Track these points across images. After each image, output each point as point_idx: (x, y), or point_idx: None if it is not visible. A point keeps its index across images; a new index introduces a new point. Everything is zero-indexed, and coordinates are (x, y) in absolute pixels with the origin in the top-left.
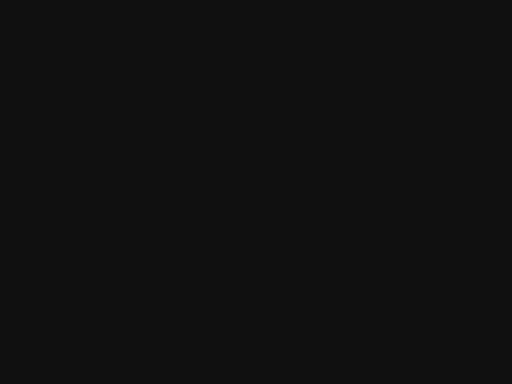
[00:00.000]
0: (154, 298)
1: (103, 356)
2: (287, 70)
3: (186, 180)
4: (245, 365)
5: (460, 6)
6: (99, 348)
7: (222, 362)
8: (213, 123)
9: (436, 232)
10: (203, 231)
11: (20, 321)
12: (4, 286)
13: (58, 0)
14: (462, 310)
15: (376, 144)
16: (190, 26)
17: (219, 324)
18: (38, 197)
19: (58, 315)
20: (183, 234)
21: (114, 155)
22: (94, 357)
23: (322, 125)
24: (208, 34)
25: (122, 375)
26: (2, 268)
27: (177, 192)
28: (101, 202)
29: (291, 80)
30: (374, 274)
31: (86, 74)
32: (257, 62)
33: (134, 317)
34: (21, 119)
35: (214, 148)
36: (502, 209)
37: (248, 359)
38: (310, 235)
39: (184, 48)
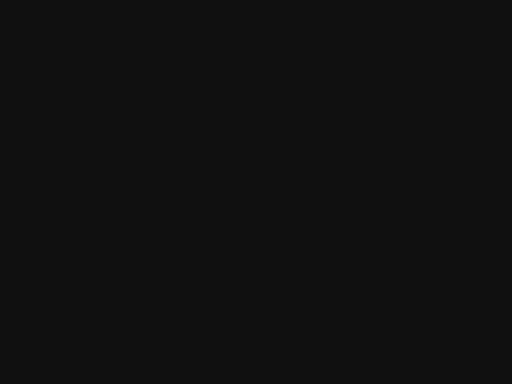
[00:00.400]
0: (154, 298)
1: (103, 356)
2: (287, 70)
3: (186, 180)
4: (245, 365)
5: (460, 5)
6: (99, 348)
7: (222, 362)
8: (213, 123)
9: (436, 232)
10: (203, 231)
11: (20, 321)
12: (4, 286)
13: (59, 0)
14: (462, 310)
15: (376, 144)
16: (190, 26)
17: (219, 324)
18: (38, 197)
19: (58, 315)
20: (183, 233)
21: (114, 155)
22: (94, 357)
23: (322, 125)
24: (208, 34)
25: (122, 375)
26: (2, 268)
27: (177, 192)
28: (101, 201)
29: (291, 80)
30: (374, 274)
31: (86, 74)
32: (257, 62)
33: (134, 317)
34: (21, 119)
35: (214, 148)
36: (502, 209)
37: (248, 359)
38: (310, 235)
39: (184, 48)
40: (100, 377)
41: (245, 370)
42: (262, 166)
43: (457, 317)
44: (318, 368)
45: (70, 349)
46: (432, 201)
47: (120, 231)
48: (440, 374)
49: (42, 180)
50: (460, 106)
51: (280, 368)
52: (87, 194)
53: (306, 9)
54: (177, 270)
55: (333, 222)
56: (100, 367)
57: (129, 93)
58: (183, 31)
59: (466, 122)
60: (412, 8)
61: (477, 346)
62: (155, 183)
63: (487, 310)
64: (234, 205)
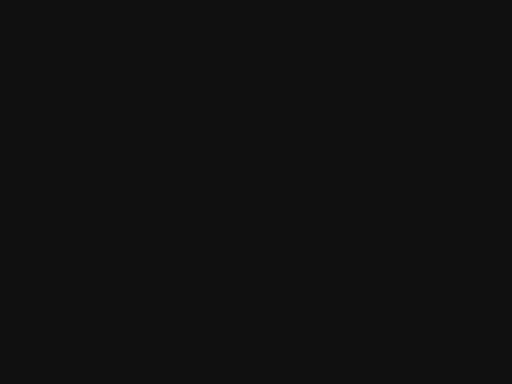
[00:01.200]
0: (154, 298)
1: (103, 356)
2: (287, 70)
3: (186, 180)
4: (245, 365)
5: (460, 6)
6: (99, 348)
7: (222, 362)
8: (213, 123)
9: (436, 232)
10: (203, 231)
11: (20, 321)
12: (4, 286)
13: (59, 0)
14: (462, 310)
15: (376, 144)
16: (190, 26)
17: (219, 324)
18: (38, 197)
19: (58, 315)
20: (183, 234)
21: (114, 155)
22: (94, 357)
23: (322, 125)
24: (208, 34)
25: (122, 375)
26: (2, 268)
27: (177, 192)
28: (101, 202)
29: (291, 80)
30: (374, 274)
31: (86, 74)
32: (257, 62)
33: (134, 317)
34: (21, 119)
35: (214, 148)
36: (502, 209)
37: (248, 359)
38: (310, 235)
39: (184, 48)
40: (100, 377)
41: (245, 370)
42: (262, 165)
43: (457, 317)
44: (318, 368)
45: (70, 349)
46: (432, 201)
47: (120, 231)
48: (440, 374)
49: (42, 180)
50: (460, 106)
51: (280, 368)
52: (87, 193)
53: (305, 9)
54: (177, 270)
55: (333, 222)
56: (100, 367)
57: (129, 93)
58: (183, 31)
59: (466, 122)
60: (412, 8)
61: (477, 345)
62: (155, 183)
63: (487, 310)
64: (234, 205)
